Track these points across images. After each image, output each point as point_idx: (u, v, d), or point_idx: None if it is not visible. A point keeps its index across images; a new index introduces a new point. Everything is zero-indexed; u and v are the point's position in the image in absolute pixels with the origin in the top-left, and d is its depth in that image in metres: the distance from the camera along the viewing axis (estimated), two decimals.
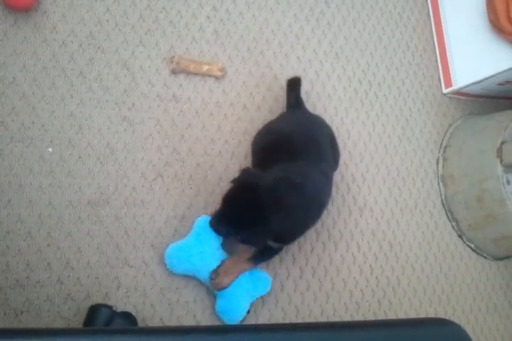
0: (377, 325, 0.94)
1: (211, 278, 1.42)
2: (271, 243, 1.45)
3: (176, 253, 1.45)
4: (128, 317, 1.34)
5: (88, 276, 1.40)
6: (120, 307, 1.40)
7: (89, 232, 1.43)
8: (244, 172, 1.42)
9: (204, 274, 1.44)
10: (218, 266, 1.43)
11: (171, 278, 1.47)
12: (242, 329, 0.84)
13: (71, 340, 0.71)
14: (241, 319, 1.47)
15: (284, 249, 1.63)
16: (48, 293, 1.35)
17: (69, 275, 1.38)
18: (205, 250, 1.44)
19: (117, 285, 1.42)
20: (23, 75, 1.47)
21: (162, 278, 1.47)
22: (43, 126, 1.45)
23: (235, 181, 1.40)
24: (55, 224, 1.40)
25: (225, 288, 1.42)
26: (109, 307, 1.33)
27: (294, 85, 1.74)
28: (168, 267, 1.46)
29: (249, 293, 1.48)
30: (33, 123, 1.45)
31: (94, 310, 1.32)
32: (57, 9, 1.54)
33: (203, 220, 1.48)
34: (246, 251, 1.46)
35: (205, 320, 1.48)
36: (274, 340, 0.81)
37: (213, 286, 1.43)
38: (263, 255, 1.50)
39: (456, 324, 0.93)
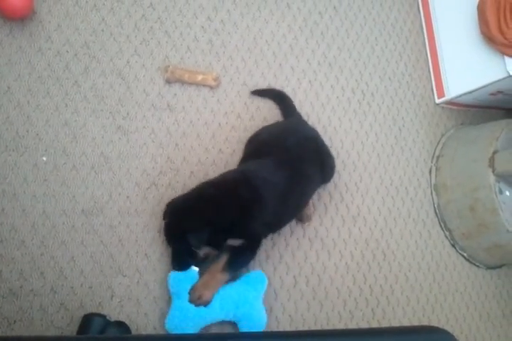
0: (370, 332, 0.95)
1: (190, 294, 1.40)
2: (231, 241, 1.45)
3: (175, 324, 1.40)
4: (121, 326, 1.34)
5: (82, 285, 1.40)
6: (114, 316, 1.39)
7: (83, 241, 1.43)
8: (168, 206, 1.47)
9: (211, 316, 1.42)
10: (195, 282, 1.42)
11: (164, 287, 1.47)
12: (236, 337, 0.84)
13: None
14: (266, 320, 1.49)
15: (278, 258, 1.63)
16: (41, 302, 1.35)
17: (62, 285, 1.38)
18: None
19: (111, 294, 1.42)
20: (17, 84, 1.47)
21: (156, 287, 1.47)
22: (37, 135, 1.46)
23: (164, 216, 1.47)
24: (48, 233, 1.40)
25: (208, 301, 1.40)
26: (103, 317, 1.33)
27: (279, 98, 1.80)
28: None
29: (257, 296, 1.49)
30: (27, 132, 1.45)
31: (87, 320, 1.32)
32: (53, 19, 1.55)
33: (173, 278, 1.44)
34: (216, 263, 1.45)
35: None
36: None
37: (194, 301, 1.39)
38: (236, 261, 1.46)
39: (447, 332, 0.93)
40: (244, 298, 1.45)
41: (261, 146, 1.61)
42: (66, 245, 1.41)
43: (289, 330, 1.35)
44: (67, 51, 1.55)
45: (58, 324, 1.34)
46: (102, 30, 1.60)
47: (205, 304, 1.39)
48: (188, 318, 1.39)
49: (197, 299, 1.39)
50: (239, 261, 1.48)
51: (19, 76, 1.48)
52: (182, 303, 1.40)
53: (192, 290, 1.40)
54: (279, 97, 1.80)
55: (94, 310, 1.38)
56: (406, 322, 1.78)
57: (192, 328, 1.40)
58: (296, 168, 1.55)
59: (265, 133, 1.67)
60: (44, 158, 1.45)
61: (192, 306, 1.39)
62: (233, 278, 1.48)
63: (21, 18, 1.50)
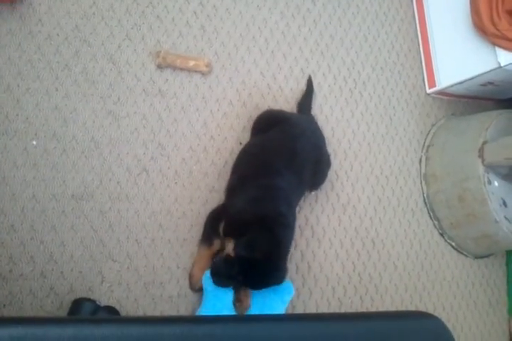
0: (360, 317, 0.95)
1: (237, 306, 1.45)
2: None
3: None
4: (111, 311, 1.34)
5: (71, 270, 1.39)
6: (104, 301, 1.39)
7: (73, 226, 1.42)
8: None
9: None
10: (237, 294, 1.45)
11: (154, 273, 1.47)
12: (227, 319, 0.84)
13: (57, 329, 0.71)
14: None
15: None
16: (31, 286, 1.34)
17: (52, 269, 1.37)
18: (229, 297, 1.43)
19: (101, 279, 1.42)
20: (7, 68, 1.45)
21: (146, 273, 1.46)
22: (27, 118, 1.44)
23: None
24: (38, 217, 1.39)
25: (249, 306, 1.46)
26: (93, 302, 1.33)
27: (309, 90, 1.83)
28: None
29: (282, 307, 1.49)
30: (17, 115, 1.43)
31: (77, 304, 1.32)
32: (43, 1, 1.53)
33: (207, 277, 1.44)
34: None
35: (189, 314, 1.48)
36: (257, 330, 0.81)
37: (241, 310, 1.45)
38: None
39: (436, 317, 0.94)
40: (270, 306, 1.46)
41: (271, 141, 1.60)
42: (56, 230, 1.40)
43: (279, 314, 1.36)
44: (58, 34, 1.53)
45: (48, 308, 1.34)
46: (93, 14, 1.59)
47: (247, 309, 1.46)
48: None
49: (244, 308, 1.46)
50: None
51: (9, 59, 1.46)
52: (215, 300, 1.41)
53: (238, 302, 1.46)
54: (308, 92, 1.84)
55: (84, 295, 1.37)
56: (394, 310, 1.79)
57: None
58: (300, 174, 1.56)
59: (278, 125, 1.64)
60: (34, 142, 1.44)
61: (224, 303, 1.41)
62: None
63: (11, 1, 1.48)
